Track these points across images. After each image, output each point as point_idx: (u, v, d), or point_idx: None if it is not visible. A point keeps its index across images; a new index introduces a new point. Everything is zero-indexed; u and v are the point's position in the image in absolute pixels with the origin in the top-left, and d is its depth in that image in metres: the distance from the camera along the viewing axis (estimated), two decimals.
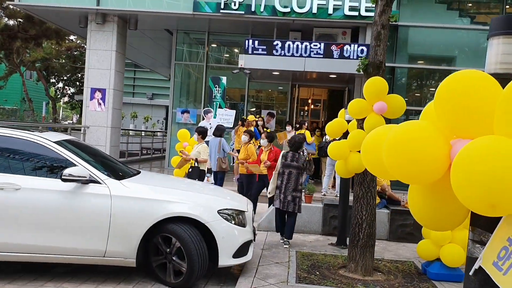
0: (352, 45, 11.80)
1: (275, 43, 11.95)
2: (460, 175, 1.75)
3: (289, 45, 11.89)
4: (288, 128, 11.75)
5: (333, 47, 11.73)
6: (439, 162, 1.94)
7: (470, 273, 2.01)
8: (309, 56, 11.83)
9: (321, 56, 11.75)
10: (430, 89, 13.97)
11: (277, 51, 11.94)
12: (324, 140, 11.49)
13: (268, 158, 8.34)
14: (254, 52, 12.02)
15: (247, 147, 8.99)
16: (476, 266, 1.98)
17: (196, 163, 8.45)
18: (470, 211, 2.03)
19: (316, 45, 11.83)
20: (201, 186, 6.47)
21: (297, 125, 12.05)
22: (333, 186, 11.14)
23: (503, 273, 1.83)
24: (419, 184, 2.12)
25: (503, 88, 1.77)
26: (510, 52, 1.92)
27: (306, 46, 11.83)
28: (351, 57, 11.61)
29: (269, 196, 7.28)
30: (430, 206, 2.12)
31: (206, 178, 10.12)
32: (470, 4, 13.20)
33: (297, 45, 11.85)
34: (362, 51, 11.61)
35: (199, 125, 11.78)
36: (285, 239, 7.03)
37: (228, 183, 10.98)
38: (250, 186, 8.90)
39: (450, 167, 1.94)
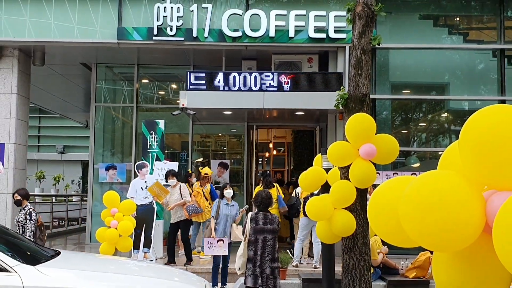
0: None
1: (222, 75, 12.10)
2: (505, 238, 1.74)
3: (244, 77, 12.07)
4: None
5: (282, 77, 12.01)
6: (472, 223, 1.94)
7: None
8: (267, 89, 12.02)
9: (275, 89, 11.99)
10: (419, 124, 14.47)
11: (227, 85, 12.07)
12: (294, 195, 11.50)
13: None
14: (198, 87, 12.10)
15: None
16: None
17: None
18: None
19: (269, 76, 12.09)
20: (140, 267, 6.29)
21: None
22: (309, 255, 11.08)
23: None
24: (447, 251, 2.10)
25: None
26: None
27: (262, 78, 12.06)
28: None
29: (239, 273, 7.23)
30: (463, 278, 2.10)
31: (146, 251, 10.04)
32: (460, 19, 13.96)
33: (255, 77, 12.04)
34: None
35: (132, 183, 11.59)
36: None
37: None
38: None
39: (486, 228, 1.94)
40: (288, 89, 12.01)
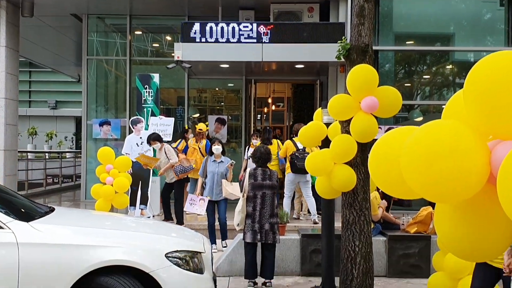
0: None
1: (220, 25, 11.95)
2: (510, 187, 1.75)
3: (239, 28, 11.91)
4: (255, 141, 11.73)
5: (261, 28, 11.85)
6: (476, 174, 1.95)
7: None
8: (262, 40, 11.88)
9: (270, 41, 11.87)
10: (423, 76, 14.40)
11: (224, 36, 11.94)
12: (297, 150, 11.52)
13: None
14: (194, 39, 11.97)
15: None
16: None
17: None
18: None
19: (266, 26, 11.92)
20: (137, 223, 6.35)
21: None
22: (309, 212, 11.19)
23: None
24: (450, 202, 2.12)
25: None
26: None
27: (258, 29, 11.91)
28: None
29: (237, 229, 7.33)
30: (465, 229, 2.12)
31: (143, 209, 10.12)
32: None
33: (253, 28, 11.90)
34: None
35: (127, 139, 11.60)
36: (267, 281, 7.24)
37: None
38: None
39: (490, 178, 1.95)
40: (289, 41, 11.88)
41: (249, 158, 11.03)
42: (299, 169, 10.43)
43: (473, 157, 1.92)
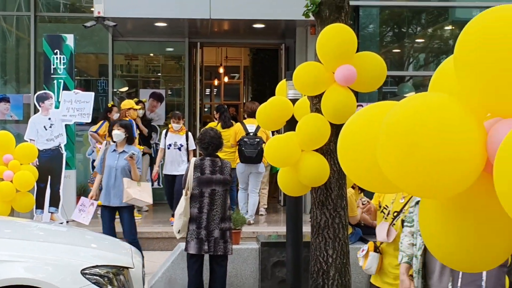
0: None
1: None
2: (510, 176, 1.80)
3: None
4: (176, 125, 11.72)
5: None
6: (470, 160, 1.99)
7: None
8: None
9: None
10: (416, 40, 14.61)
11: None
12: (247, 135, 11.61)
13: None
14: None
15: None
16: None
17: None
18: None
19: None
20: (46, 230, 6.31)
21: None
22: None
23: None
24: (438, 197, 2.17)
25: None
26: None
27: None
28: None
29: (178, 236, 7.32)
30: (458, 231, 2.17)
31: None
32: None
33: None
34: None
35: (31, 120, 11.43)
36: None
37: None
38: None
39: (488, 166, 2.01)
40: None
41: (168, 148, 11.11)
42: (248, 158, 10.68)
43: (465, 139, 1.95)
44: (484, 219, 2.13)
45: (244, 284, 8.15)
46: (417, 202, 4.13)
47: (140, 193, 8.52)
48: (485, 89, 1.99)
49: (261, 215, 11.82)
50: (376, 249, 4.40)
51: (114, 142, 8.91)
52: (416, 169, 1.99)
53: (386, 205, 5.46)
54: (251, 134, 11.11)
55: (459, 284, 3.71)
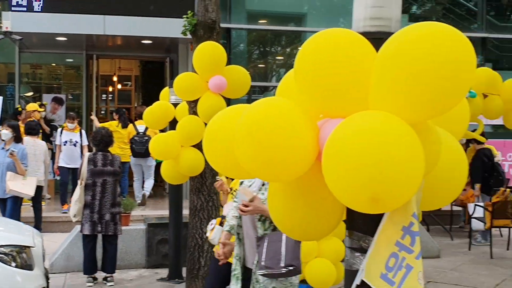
0: None
1: None
2: (333, 164, 1.92)
3: None
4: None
5: None
6: (305, 152, 2.10)
7: None
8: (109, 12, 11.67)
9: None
10: (277, 57, 14.90)
11: (60, 6, 11.54)
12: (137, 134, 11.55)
13: None
14: (23, 7, 11.45)
15: None
16: (357, 281, 2.17)
17: None
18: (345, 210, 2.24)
19: None
20: None
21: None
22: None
23: None
24: (282, 181, 2.27)
25: (377, 50, 1.99)
26: (382, 4, 2.16)
27: None
28: None
29: (74, 220, 7.19)
30: (296, 208, 2.28)
31: None
32: None
33: None
34: None
35: None
36: (108, 275, 7.24)
37: None
38: None
39: (319, 156, 2.12)
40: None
41: (64, 144, 10.87)
42: (138, 153, 10.86)
43: (301, 135, 2.06)
44: (317, 197, 2.24)
45: (133, 259, 8.08)
46: (241, 183, 4.22)
47: (23, 186, 8.32)
48: (317, 96, 2.10)
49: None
50: (221, 224, 4.45)
51: (3, 140, 8.60)
52: (264, 159, 2.08)
53: (236, 189, 5.56)
54: (141, 133, 11.16)
55: (263, 258, 3.78)
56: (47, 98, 14.51)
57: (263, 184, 4.01)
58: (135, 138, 11.11)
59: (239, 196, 3.90)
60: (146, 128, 11.11)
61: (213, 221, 4.54)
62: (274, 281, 3.84)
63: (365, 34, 2.13)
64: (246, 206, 3.81)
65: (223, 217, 4.56)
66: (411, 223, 2.03)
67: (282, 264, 3.72)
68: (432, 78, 1.79)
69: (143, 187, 11.77)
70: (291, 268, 3.73)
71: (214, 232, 4.44)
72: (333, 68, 2.01)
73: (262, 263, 3.79)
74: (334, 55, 2.01)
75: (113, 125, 11.42)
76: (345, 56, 2.00)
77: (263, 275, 3.84)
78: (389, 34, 2.02)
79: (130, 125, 11.70)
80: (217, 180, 4.34)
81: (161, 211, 10.44)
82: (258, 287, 3.90)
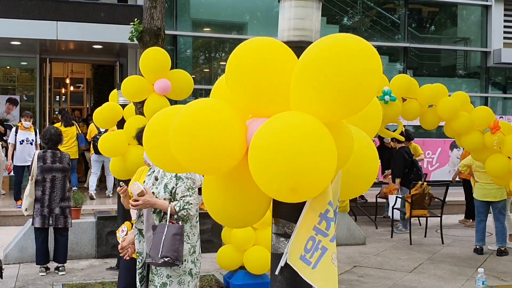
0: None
1: None
2: (257, 158, 1.99)
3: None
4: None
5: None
6: (235, 147, 2.16)
7: (276, 272, 2.29)
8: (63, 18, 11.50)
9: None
10: (221, 62, 14.95)
11: (14, 12, 11.27)
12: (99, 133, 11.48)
13: None
14: None
15: None
16: (282, 263, 2.26)
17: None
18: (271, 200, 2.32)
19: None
20: None
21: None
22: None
23: (312, 267, 2.14)
24: (214, 174, 2.33)
25: (298, 58, 2.07)
26: (303, 17, 2.24)
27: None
28: None
29: (26, 214, 7.09)
30: (227, 198, 2.35)
31: None
32: None
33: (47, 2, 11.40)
34: None
35: None
36: (60, 265, 7.18)
37: None
38: None
39: (247, 151, 2.19)
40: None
41: (21, 143, 10.66)
42: (99, 150, 10.81)
43: (231, 132, 2.13)
44: (246, 189, 2.31)
45: (84, 249, 8.00)
46: (148, 174, 4.24)
47: None
48: (245, 97, 2.17)
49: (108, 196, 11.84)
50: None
51: None
52: (197, 154, 2.13)
53: None
54: (102, 132, 11.00)
55: (150, 247, 3.85)
56: (1, 99, 14.15)
57: (156, 179, 4.03)
58: (97, 136, 10.94)
59: (132, 192, 3.91)
60: None
61: (124, 228, 4.49)
62: (168, 269, 3.88)
63: (288, 43, 2.22)
64: (136, 201, 3.84)
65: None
66: (327, 210, 2.13)
67: (159, 255, 3.75)
68: (342, 83, 1.89)
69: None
70: (166, 259, 3.74)
71: (129, 236, 4.34)
72: (258, 73, 2.09)
73: (149, 252, 3.86)
74: (260, 61, 2.08)
75: (57, 126, 11.17)
76: (269, 63, 2.08)
77: (149, 263, 3.92)
78: (310, 43, 2.11)
79: (92, 124, 11.61)
80: (121, 186, 4.22)
81: (111, 205, 10.36)
82: (155, 274, 3.95)
